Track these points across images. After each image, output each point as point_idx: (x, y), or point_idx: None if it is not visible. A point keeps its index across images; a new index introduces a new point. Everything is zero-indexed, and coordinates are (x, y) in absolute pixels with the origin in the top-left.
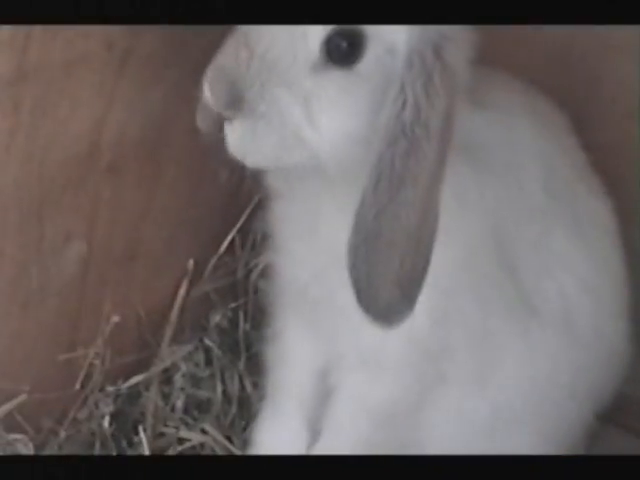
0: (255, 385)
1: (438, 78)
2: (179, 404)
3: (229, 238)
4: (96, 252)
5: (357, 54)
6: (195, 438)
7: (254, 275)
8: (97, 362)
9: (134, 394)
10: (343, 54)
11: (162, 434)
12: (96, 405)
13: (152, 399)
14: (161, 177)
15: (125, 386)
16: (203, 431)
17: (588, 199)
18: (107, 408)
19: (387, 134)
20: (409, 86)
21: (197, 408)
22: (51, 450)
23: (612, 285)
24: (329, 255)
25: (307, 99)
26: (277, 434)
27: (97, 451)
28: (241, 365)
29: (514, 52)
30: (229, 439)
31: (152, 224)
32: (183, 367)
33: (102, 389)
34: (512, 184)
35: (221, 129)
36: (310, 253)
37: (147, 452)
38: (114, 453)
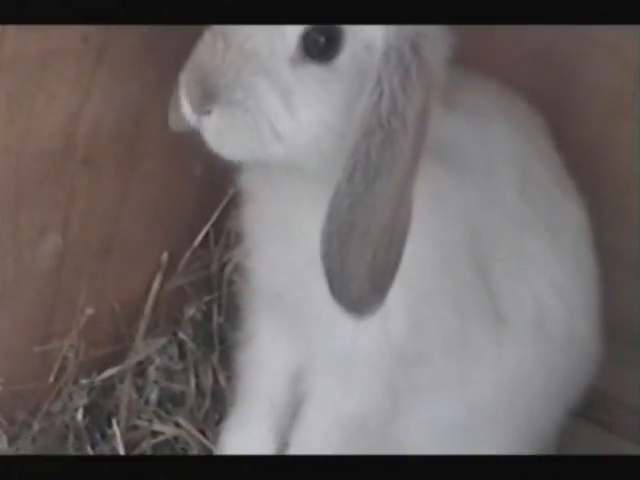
0: (228, 379)
1: (415, 73)
2: (153, 397)
3: (203, 232)
4: (71, 245)
5: (335, 50)
6: (168, 431)
7: (228, 269)
8: (71, 355)
9: (108, 387)
10: (321, 49)
11: (136, 427)
12: (70, 397)
13: (126, 392)
14: (137, 171)
15: (99, 379)
16: (177, 424)
17: (562, 202)
18: (81, 401)
19: (363, 125)
20: (386, 80)
21: (171, 401)
22: (24, 442)
23: (584, 287)
24: (304, 259)
25: (285, 90)
26: (244, 440)
27: (70, 444)
28: (215, 358)
29: (491, 53)
30: (202, 432)
31: (127, 217)
32: (157, 360)
33: (76, 382)
34: (487, 187)
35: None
36: (284, 257)
37: (120, 445)
38: (88, 446)
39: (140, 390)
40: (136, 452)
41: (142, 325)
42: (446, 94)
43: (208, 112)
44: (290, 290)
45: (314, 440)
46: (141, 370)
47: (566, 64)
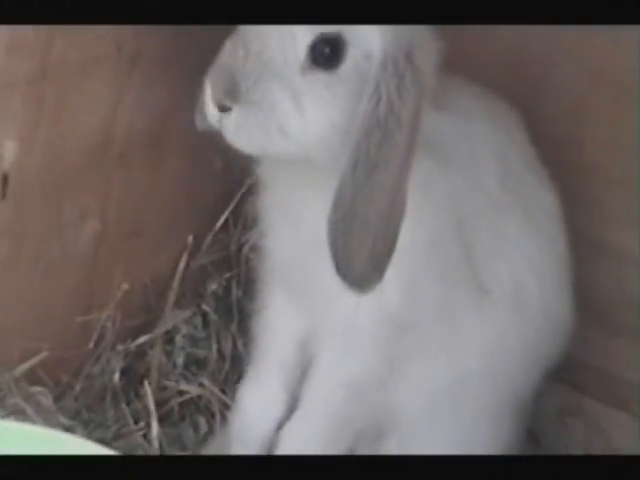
0: (246, 345)
1: (409, 79)
2: (180, 361)
3: (224, 217)
4: (108, 229)
5: (338, 59)
6: (193, 391)
7: (245, 249)
8: (109, 324)
9: (141, 352)
10: (326, 59)
11: (165, 387)
12: (108, 362)
13: (156, 357)
14: (164, 164)
15: (133, 345)
16: (200, 384)
17: (537, 189)
18: (117, 364)
19: (364, 126)
20: (383, 85)
21: (195, 364)
22: (68, 401)
23: (557, 266)
24: (310, 240)
25: (295, 94)
26: (258, 394)
27: (108, 402)
28: (234, 327)
29: (471, 56)
30: (223, 391)
31: (157, 205)
32: (183, 329)
33: (113, 348)
34: (471, 177)
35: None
36: (294, 238)
37: (151, 403)
38: (123, 403)
39: (169, 355)
40: (165, 409)
41: (170, 298)
42: (435, 96)
43: (228, 110)
44: (298, 267)
45: (321, 397)
46: (169, 338)
47: (536, 68)
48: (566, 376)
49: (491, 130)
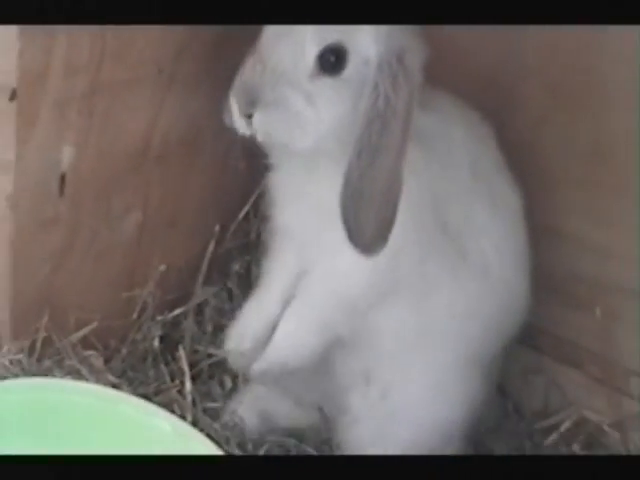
0: None
1: (401, 77)
2: (209, 329)
3: (245, 209)
4: (148, 219)
5: (342, 65)
6: (220, 354)
7: (263, 236)
8: (149, 299)
9: (176, 322)
10: (332, 66)
11: (196, 351)
12: (148, 330)
13: (189, 326)
14: (196, 165)
15: (170, 316)
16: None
17: (502, 185)
18: (156, 332)
19: (366, 118)
20: (381, 84)
21: (222, 332)
22: (116, 362)
23: (518, 248)
24: (318, 209)
25: (307, 97)
26: (256, 304)
27: (149, 364)
28: None
29: (450, 73)
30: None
31: (189, 199)
32: (212, 302)
33: (153, 318)
34: (448, 167)
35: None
36: (302, 208)
37: (185, 364)
38: (162, 365)
39: (199, 324)
40: (196, 370)
41: (200, 277)
42: (421, 101)
43: (251, 115)
44: (302, 232)
45: (312, 304)
46: (200, 310)
47: (505, 84)
48: (529, 341)
49: (466, 134)
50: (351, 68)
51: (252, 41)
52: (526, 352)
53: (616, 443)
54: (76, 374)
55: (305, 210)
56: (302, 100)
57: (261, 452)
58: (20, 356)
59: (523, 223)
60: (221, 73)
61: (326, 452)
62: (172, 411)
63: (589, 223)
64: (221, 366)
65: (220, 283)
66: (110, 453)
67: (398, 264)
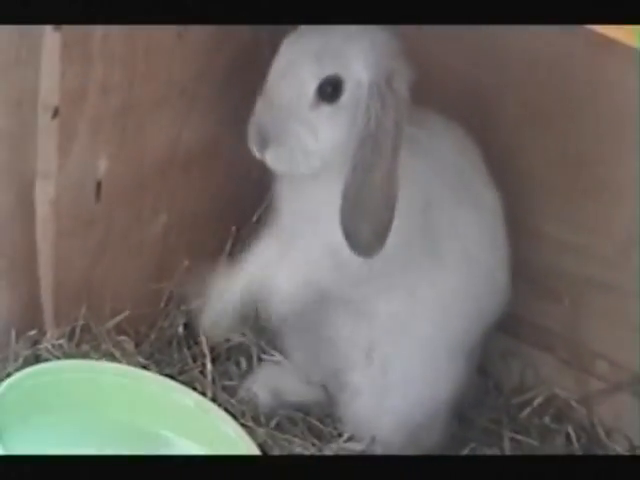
0: None
1: (390, 99)
2: None
3: (258, 212)
4: (174, 221)
5: (339, 94)
6: (237, 338)
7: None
8: (175, 290)
9: (198, 311)
10: (330, 95)
11: None
12: (174, 318)
13: None
14: (214, 174)
15: (192, 305)
16: (242, 334)
17: (484, 190)
18: (181, 320)
19: (360, 138)
20: (372, 106)
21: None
22: (145, 346)
23: (498, 245)
24: (316, 210)
25: (310, 126)
26: (257, 251)
27: (174, 347)
28: None
29: (435, 90)
30: (259, 339)
31: (210, 205)
32: None
33: (178, 307)
34: (436, 172)
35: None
36: (297, 208)
37: (206, 348)
38: (185, 348)
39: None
40: (215, 352)
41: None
42: (412, 120)
43: (265, 151)
44: (299, 224)
45: (307, 261)
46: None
47: (486, 99)
48: (507, 328)
49: (451, 143)
50: (347, 94)
51: (265, 65)
52: (505, 337)
53: (582, 417)
54: (110, 357)
55: (304, 211)
56: (305, 131)
57: (272, 424)
58: (61, 341)
59: (502, 223)
60: (237, 93)
61: (329, 425)
62: (194, 389)
63: (562, 224)
64: (237, 349)
65: None
66: (140, 426)
67: (387, 261)
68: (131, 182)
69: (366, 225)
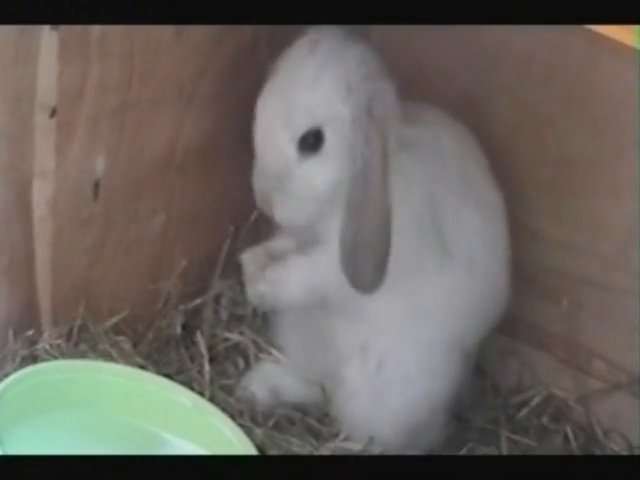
0: None
1: (372, 132)
2: (224, 317)
3: (256, 213)
4: (172, 220)
5: (320, 143)
6: (234, 338)
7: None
8: (172, 290)
9: (196, 311)
10: (312, 146)
11: (214, 335)
12: (172, 318)
13: (207, 314)
14: (213, 175)
15: (190, 305)
16: (240, 333)
17: (486, 188)
18: (179, 320)
19: (350, 175)
20: (356, 144)
21: (236, 319)
22: (143, 346)
23: (500, 244)
24: (316, 239)
25: (301, 178)
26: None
27: (172, 347)
28: None
29: (433, 93)
30: (256, 338)
31: (208, 204)
32: (227, 293)
33: (176, 307)
34: (439, 171)
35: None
36: (302, 233)
37: (203, 347)
38: (183, 348)
39: (216, 313)
40: (213, 352)
41: (217, 271)
42: (411, 115)
43: (272, 212)
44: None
45: (315, 269)
46: (217, 300)
47: (481, 100)
48: (505, 327)
49: (453, 140)
50: (329, 141)
51: (264, 64)
52: (503, 337)
53: (580, 417)
54: (108, 357)
55: (310, 234)
56: (299, 185)
57: (270, 424)
58: (59, 341)
59: (504, 220)
60: (235, 93)
61: (327, 425)
62: (192, 388)
63: (558, 222)
64: (235, 349)
65: (235, 277)
66: (138, 426)
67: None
68: (129, 182)
69: (367, 265)
